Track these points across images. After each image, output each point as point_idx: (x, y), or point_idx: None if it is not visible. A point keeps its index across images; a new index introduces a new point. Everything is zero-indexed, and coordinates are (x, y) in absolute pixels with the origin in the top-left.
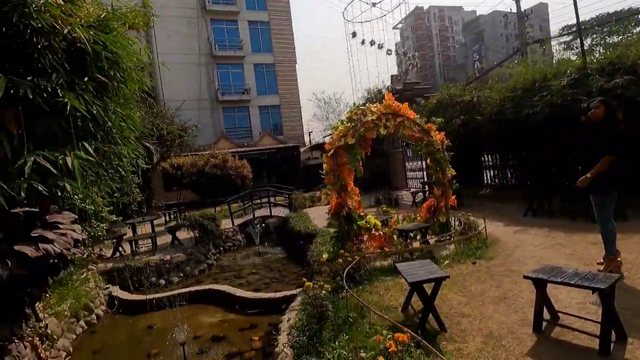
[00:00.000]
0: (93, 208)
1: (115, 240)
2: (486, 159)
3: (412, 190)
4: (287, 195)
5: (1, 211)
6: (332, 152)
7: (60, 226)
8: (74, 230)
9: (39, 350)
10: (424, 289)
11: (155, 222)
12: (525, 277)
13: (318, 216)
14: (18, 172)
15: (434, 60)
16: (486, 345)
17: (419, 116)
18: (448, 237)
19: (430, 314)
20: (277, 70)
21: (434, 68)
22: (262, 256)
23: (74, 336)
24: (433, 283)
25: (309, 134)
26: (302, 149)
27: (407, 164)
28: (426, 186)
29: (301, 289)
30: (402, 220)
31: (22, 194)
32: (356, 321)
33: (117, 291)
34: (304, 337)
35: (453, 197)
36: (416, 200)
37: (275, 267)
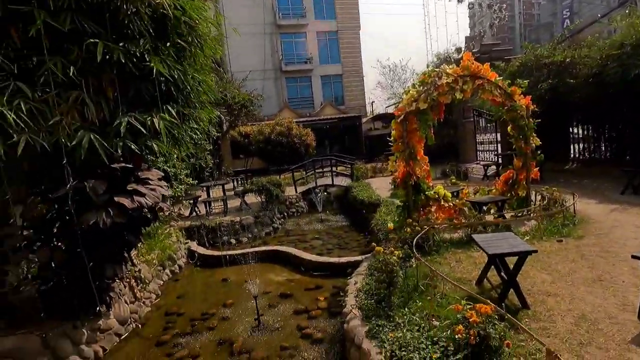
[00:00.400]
0: (173, 171)
1: (192, 201)
2: (575, 130)
3: (483, 163)
4: (349, 165)
5: (103, 166)
6: (401, 117)
7: (150, 182)
8: (161, 187)
9: (135, 290)
10: (506, 263)
11: (227, 187)
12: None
13: (380, 187)
14: (115, 132)
15: (514, 21)
16: (578, 327)
17: (501, 78)
18: (528, 212)
19: (512, 290)
20: (340, 38)
21: (513, 30)
22: (325, 223)
23: (161, 282)
24: (517, 257)
25: (371, 104)
26: (364, 119)
27: (477, 136)
28: (500, 158)
29: (365, 255)
30: (475, 193)
31: (119, 151)
32: (427, 290)
33: (195, 246)
34: (372, 301)
35: (536, 169)
36: (488, 174)
37: (337, 234)
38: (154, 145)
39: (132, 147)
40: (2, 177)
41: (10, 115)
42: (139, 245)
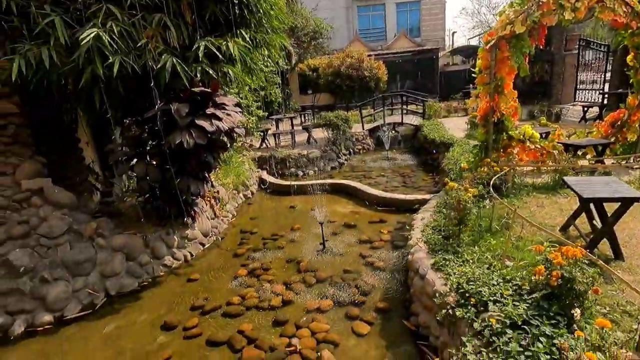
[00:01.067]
0: (245, 102)
1: (262, 132)
2: None
3: (582, 103)
4: (420, 103)
5: (185, 91)
6: (491, 43)
7: (226, 107)
8: (236, 112)
9: (215, 208)
10: (604, 209)
11: (294, 121)
12: None
13: (454, 127)
14: (193, 57)
15: None
16: None
17: None
18: (637, 160)
19: (605, 239)
20: None
21: None
22: (391, 161)
23: (236, 204)
24: (619, 203)
25: (452, 35)
26: (441, 53)
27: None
28: (606, 99)
29: (432, 195)
30: (568, 137)
31: (198, 76)
32: (501, 231)
33: (265, 175)
34: (440, 236)
35: None
36: (587, 116)
37: (404, 173)
38: (229, 71)
39: (210, 72)
40: (103, 98)
41: (105, 37)
42: (217, 169)
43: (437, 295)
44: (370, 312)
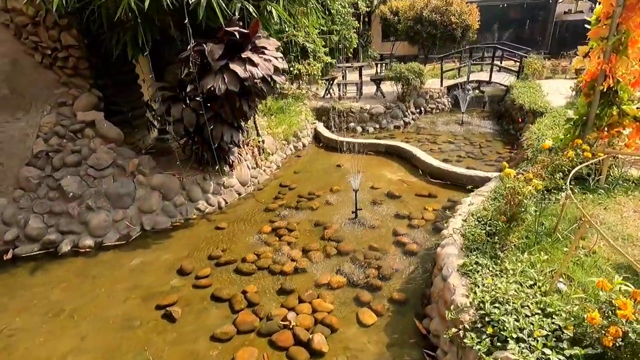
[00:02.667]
0: (312, 47)
1: (327, 81)
2: None
3: None
4: (518, 59)
5: (220, 29)
6: None
7: (266, 52)
8: (276, 58)
9: (256, 157)
10: None
11: (366, 72)
12: None
13: (554, 91)
14: None
15: None
16: None
17: None
18: None
19: None
20: None
21: None
22: (465, 126)
23: (284, 155)
24: None
25: None
26: None
27: None
28: None
29: (499, 174)
30: None
31: (236, 14)
32: (566, 239)
33: (321, 128)
34: (482, 231)
35: None
36: None
37: (476, 142)
38: (272, 10)
39: (251, 9)
40: (146, 33)
41: None
42: (252, 117)
43: (452, 307)
44: (383, 301)
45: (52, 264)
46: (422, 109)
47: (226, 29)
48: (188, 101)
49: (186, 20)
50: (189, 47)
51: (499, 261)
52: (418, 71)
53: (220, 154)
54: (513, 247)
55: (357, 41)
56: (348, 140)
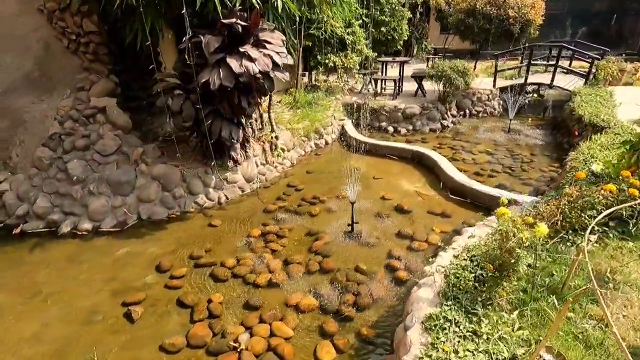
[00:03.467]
0: (351, 39)
1: (365, 75)
2: None
3: None
4: (591, 60)
5: (217, 20)
6: None
7: (267, 46)
8: (278, 53)
9: (267, 154)
10: None
11: (415, 66)
12: None
13: (631, 101)
14: None
15: None
16: None
17: None
18: None
19: None
20: None
21: None
22: (512, 135)
23: (303, 152)
24: None
25: None
26: None
27: None
28: None
29: (534, 198)
30: None
31: (237, 5)
32: (584, 300)
33: (348, 125)
34: (471, 274)
35: None
36: None
37: (519, 155)
38: (277, 1)
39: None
40: (153, 20)
41: None
42: (288, 110)
43: None
44: (350, 335)
45: (51, 243)
46: (467, 111)
47: (222, 20)
48: (189, 94)
49: (183, 10)
50: (183, 38)
51: (475, 319)
52: (462, 70)
53: (222, 149)
54: (498, 304)
55: (407, 33)
56: (372, 142)
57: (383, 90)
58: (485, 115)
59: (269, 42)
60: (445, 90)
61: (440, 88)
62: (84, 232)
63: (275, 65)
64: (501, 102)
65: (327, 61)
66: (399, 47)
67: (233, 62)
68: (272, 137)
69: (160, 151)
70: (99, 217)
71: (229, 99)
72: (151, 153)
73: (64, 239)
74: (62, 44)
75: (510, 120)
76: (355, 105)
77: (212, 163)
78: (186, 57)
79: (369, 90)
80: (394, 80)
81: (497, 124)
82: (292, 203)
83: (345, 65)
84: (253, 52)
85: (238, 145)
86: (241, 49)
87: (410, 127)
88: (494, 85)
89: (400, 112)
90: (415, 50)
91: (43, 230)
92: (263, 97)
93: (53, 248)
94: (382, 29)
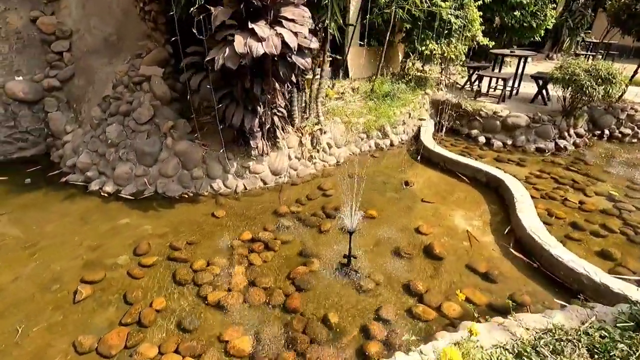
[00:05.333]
0: (458, 23)
1: (471, 70)
2: None
3: None
4: None
5: None
6: None
7: (284, 24)
8: (295, 33)
9: (304, 147)
10: None
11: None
12: None
13: None
14: None
15: None
16: None
17: None
18: None
19: None
20: None
21: None
22: None
23: (358, 151)
24: None
25: None
26: None
27: None
28: None
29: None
30: None
31: None
32: None
33: (428, 128)
34: None
35: None
36: None
37: None
38: None
39: None
40: None
41: None
42: (361, 99)
43: None
44: None
45: (79, 198)
46: (607, 132)
47: None
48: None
49: None
50: (191, 9)
51: None
52: (605, 76)
53: (245, 135)
54: None
55: (553, 21)
56: (437, 152)
57: (494, 90)
58: (635, 140)
59: (288, 19)
60: (573, 100)
61: (566, 96)
62: (106, 194)
63: (285, 46)
64: None
65: (423, 48)
66: (537, 37)
67: (238, 41)
68: (314, 130)
69: (193, 128)
70: (122, 182)
71: (242, 83)
72: (181, 128)
73: (90, 196)
74: (136, 10)
75: None
76: (448, 105)
77: (243, 148)
78: (194, 31)
79: (472, 89)
80: (504, 79)
81: None
82: (308, 210)
83: (446, 55)
84: (262, 30)
85: (259, 135)
86: (250, 26)
87: (509, 142)
88: None
89: (498, 121)
90: (567, 43)
91: (80, 183)
92: (281, 84)
93: (77, 203)
94: (516, 12)
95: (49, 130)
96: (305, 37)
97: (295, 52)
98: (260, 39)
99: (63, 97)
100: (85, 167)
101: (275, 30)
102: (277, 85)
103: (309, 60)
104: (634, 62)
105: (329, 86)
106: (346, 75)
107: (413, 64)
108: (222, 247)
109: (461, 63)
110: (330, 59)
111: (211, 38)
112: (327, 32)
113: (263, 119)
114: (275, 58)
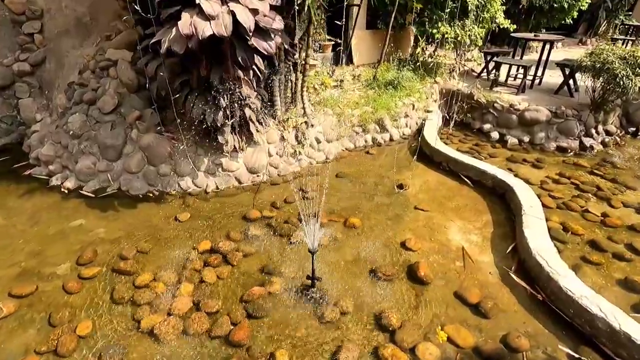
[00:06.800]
0: (475, 3)
1: (488, 56)
2: None
3: None
4: None
5: None
6: None
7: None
8: (251, 10)
9: (286, 143)
10: None
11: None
12: None
13: None
14: None
15: None
16: None
17: None
18: None
19: None
20: None
21: None
22: None
23: (352, 146)
24: None
25: None
26: None
27: None
28: None
29: None
30: None
31: None
32: None
33: (433, 121)
34: None
35: None
36: None
37: None
38: None
39: None
40: None
41: None
42: (363, 87)
43: None
44: None
45: (38, 193)
46: (637, 130)
47: None
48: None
49: None
50: None
51: None
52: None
53: (206, 129)
54: None
55: (587, 1)
56: (438, 149)
57: (513, 79)
58: None
59: None
60: (604, 92)
61: (596, 87)
62: (66, 190)
63: (239, 26)
64: None
65: (434, 31)
66: (569, 20)
67: (184, 20)
68: (299, 123)
69: (163, 119)
70: (85, 177)
71: (199, 70)
72: (149, 119)
73: (50, 192)
74: None
75: None
76: (460, 95)
77: (214, 144)
78: (137, 7)
79: (488, 77)
80: (524, 67)
81: None
82: (283, 216)
83: (460, 39)
84: (212, 7)
85: (227, 129)
86: (197, 1)
87: (526, 139)
88: None
89: (515, 114)
90: (604, 26)
91: (44, 177)
92: (245, 72)
93: (34, 199)
94: None
95: (21, 118)
96: (265, 16)
97: (252, 34)
98: (208, 17)
99: (35, 83)
100: (48, 160)
101: (228, 6)
102: (240, 73)
103: (272, 43)
104: None
105: (327, 73)
106: (350, 61)
107: (423, 49)
108: (175, 258)
109: (478, 48)
110: (333, 43)
111: (158, 17)
112: (311, 11)
113: (228, 112)
114: (233, 41)
